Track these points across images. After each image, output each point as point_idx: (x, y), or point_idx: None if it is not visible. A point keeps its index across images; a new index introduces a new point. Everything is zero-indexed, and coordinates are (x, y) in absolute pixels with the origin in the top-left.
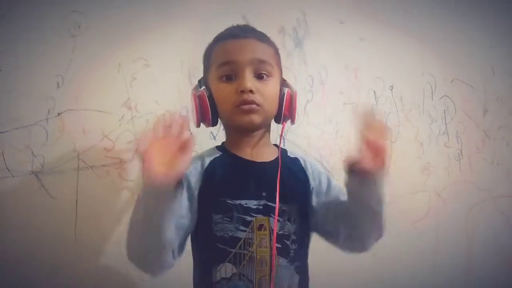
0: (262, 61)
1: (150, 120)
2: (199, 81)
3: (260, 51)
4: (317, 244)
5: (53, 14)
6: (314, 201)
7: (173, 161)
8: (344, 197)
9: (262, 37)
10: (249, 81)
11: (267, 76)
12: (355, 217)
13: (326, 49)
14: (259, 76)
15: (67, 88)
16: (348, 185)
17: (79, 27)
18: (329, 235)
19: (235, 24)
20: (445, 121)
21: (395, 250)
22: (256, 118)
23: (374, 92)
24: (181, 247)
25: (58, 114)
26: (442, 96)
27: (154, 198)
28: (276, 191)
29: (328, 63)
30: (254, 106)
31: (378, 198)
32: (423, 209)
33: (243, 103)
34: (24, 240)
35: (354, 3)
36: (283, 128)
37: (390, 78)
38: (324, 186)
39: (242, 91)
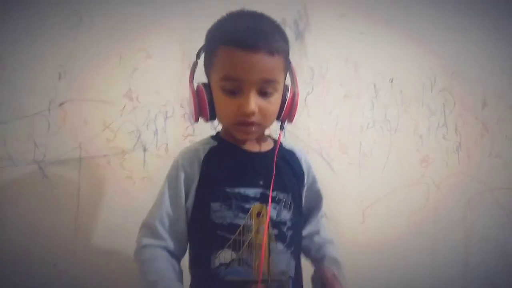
0: (269, 81)
1: (151, 111)
2: (198, 54)
3: (269, 68)
4: None
5: (54, 6)
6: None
7: None
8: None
9: (274, 44)
10: (253, 104)
11: (272, 93)
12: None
13: (327, 42)
14: (263, 94)
15: (68, 79)
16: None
17: (80, 18)
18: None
19: (243, 10)
20: (444, 114)
21: (393, 241)
22: (253, 136)
23: (374, 85)
24: (183, 248)
25: (60, 104)
26: (441, 90)
27: None
28: (271, 180)
29: (329, 56)
30: (254, 127)
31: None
32: (421, 201)
33: (243, 124)
34: (26, 228)
35: None
36: (280, 134)
37: (390, 71)
38: (310, 182)
39: (244, 113)
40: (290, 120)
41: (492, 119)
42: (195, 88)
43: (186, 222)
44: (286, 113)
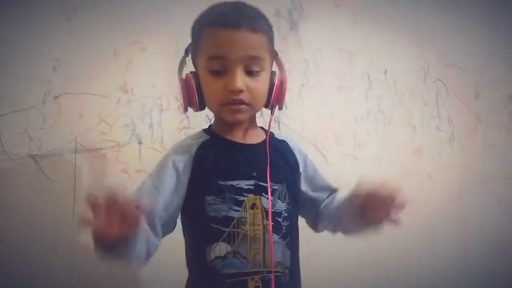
0: (254, 57)
1: (146, 103)
2: (186, 50)
3: (252, 45)
4: (308, 231)
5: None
6: (304, 186)
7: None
8: (328, 191)
9: (255, 24)
10: (240, 81)
11: (258, 71)
12: (328, 218)
13: (321, 33)
14: (249, 73)
15: (63, 72)
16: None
17: (75, 10)
18: (310, 220)
19: (226, 2)
20: (438, 104)
21: (386, 231)
22: (243, 117)
23: (368, 76)
24: (170, 225)
25: (55, 97)
26: (435, 80)
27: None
28: (265, 171)
29: (323, 47)
30: (242, 106)
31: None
32: (415, 191)
33: (232, 103)
34: (22, 222)
35: None
36: (271, 119)
37: (384, 62)
38: (310, 170)
39: (231, 91)
40: (280, 107)
41: (485, 110)
42: (184, 77)
43: (164, 219)
44: (275, 97)
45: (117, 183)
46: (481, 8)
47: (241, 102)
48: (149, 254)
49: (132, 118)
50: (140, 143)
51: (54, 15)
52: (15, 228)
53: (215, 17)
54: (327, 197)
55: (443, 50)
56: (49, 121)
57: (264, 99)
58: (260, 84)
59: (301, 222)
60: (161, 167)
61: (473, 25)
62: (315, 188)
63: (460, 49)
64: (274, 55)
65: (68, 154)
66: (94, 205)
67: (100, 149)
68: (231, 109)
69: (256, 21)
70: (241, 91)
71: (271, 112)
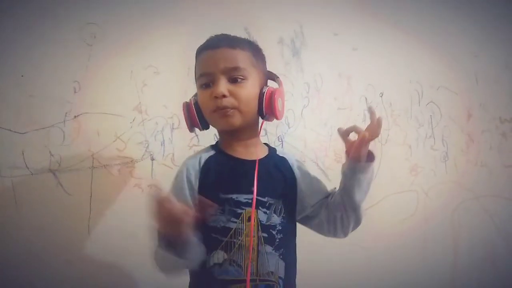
0: (234, 68)
1: (159, 123)
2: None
3: (231, 58)
4: (309, 239)
5: (71, 26)
6: (307, 199)
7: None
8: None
9: (234, 44)
10: (221, 87)
11: (242, 79)
12: (339, 208)
13: (321, 59)
14: (233, 80)
15: (83, 93)
16: (344, 170)
17: (94, 37)
18: (316, 225)
19: (214, 35)
20: (432, 125)
21: (385, 244)
22: (234, 120)
23: (366, 98)
24: None
25: (75, 117)
26: (429, 102)
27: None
28: (263, 186)
29: (323, 71)
30: (229, 110)
31: (365, 188)
32: (411, 207)
33: (218, 108)
34: (40, 233)
35: (347, 17)
36: (262, 124)
37: (380, 85)
38: (308, 183)
39: (216, 97)
40: (277, 117)
41: (477, 130)
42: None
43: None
44: (266, 105)
45: (131, 196)
46: (471, 35)
47: (226, 107)
48: (202, 258)
49: (146, 136)
50: (152, 159)
51: (75, 41)
52: (34, 238)
53: (202, 46)
54: (332, 195)
55: (436, 75)
56: (69, 139)
57: (252, 104)
58: (244, 90)
59: (301, 229)
60: (178, 182)
61: (465, 51)
62: (314, 197)
63: (452, 74)
64: (265, 71)
65: (85, 170)
66: (159, 200)
67: (116, 164)
68: (219, 114)
69: (234, 41)
70: (223, 96)
71: (263, 117)
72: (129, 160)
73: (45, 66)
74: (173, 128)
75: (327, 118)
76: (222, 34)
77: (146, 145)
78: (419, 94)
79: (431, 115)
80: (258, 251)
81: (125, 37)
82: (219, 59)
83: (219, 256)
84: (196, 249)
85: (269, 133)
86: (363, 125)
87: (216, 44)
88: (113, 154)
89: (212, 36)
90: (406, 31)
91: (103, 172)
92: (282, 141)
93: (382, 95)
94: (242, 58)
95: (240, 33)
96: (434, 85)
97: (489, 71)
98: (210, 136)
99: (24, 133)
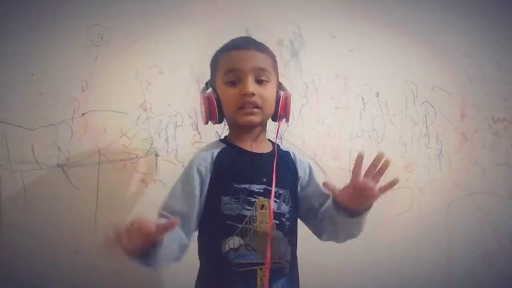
0: (261, 69)
1: (163, 120)
2: (206, 83)
3: (260, 60)
4: (307, 233)
5: (79, 27)
6: (298, 192)
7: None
8: (323, 197)
9: (261, 48)
10: (251, 86)
11: (266, 81)
12: (335, 227)
13: (319, 59)
14: (259, 82)
15: (90, 91)
16: (334, 215)
17: (101, 38)
18: (313, 229)
19: (238, 37)
20: (426, 124)
21: (382, 239)
22: (255, 119)
23: (362, 98)
24: (195, 227)
25: (82, 114)
26: (423, 102)
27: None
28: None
29: (321, 72)
30: (255, 109)
31: (359, 227)
32: (406, 203)
33: (246, 106)
34: (49, 225)
35: (344, 19)
36: (279, 126)
37: (376, 85)
38: (306, 178)
39: (245, 94)
40: (287, 119)
41: (471, 129)
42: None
43: (197, 217)
44: (282, 107)
45: (136, 191)
46: (464, 36)
47: (254, 104)
48: (180, 254)
49: (150, 133)
50: (157, 155)
51: (83, 42)
52: (42, 230)
53: (230, 46)
54: (323, 205)
55: (430, 75)
56: (77, 135)
57: (273, 106)
58: (269, 92)
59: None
60: (187, 173)
61: (458, 52)
62: (310, 193)
63: (446, 74)
64: (278, 79)
65: (92, 165)
66: (118, 236)
67: (121, 160)
68: (245, 111)
69: (262, 46)
70: (253, 94)
71: (279, 118)
72: (134, 156)
73: (54, 65)
74: (176, 126)
75: (324, 116)
76: (247, 37)
77: (151, 141)
78: (414, 94)
79: (425, 115)
80: (272, 236)
81: (130, 38)
82: (249, 58)
83: (235, 241)
84: (171, 249)
85: (269, 130)
86: (359, 123)
87: (246, 45)
88: (119, 150)
89: (237, 38)
90: (401, 33)
91: (109, 167)
92: (281, 138)
93: (378, 95)
94: (268, 63)
95: (241, 34)
96: (428, 86)
97: (482, 72)
98: (211, 133)
99: (34, 129)
